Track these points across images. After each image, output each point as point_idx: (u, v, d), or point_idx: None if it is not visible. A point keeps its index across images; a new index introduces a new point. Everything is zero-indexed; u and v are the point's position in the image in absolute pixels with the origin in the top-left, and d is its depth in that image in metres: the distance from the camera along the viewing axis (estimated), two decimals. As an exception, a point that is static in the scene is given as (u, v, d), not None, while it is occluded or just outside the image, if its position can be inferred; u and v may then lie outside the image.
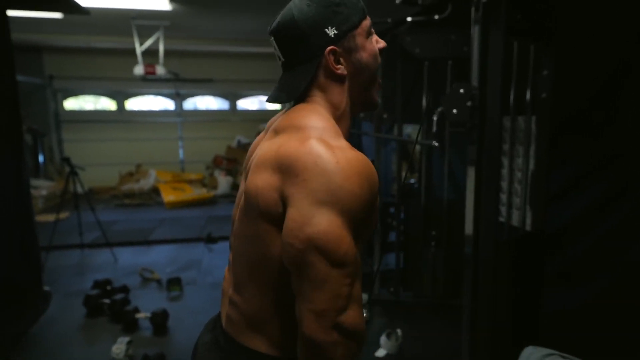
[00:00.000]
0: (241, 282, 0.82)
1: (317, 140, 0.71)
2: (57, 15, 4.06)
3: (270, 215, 0.72)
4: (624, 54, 2.05)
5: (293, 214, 0.68)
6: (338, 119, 0.81)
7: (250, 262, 0.79)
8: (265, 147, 0.79)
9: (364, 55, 0.81)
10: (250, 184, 0.76)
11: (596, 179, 2.32)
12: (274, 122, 0.88)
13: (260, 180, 0.73)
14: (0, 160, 2.73)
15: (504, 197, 2.46)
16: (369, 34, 0.82)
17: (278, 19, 0.82)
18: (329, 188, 0.67)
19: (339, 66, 0.80)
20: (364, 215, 0.69)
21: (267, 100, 0.86)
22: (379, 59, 0.85)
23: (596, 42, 2.21)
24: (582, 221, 2.43)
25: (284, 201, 0.71)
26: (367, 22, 0.82)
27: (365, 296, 3.18)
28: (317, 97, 0.82)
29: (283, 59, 0.83)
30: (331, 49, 0.78)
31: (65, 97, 8.45)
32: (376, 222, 0.82)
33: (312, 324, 0.66)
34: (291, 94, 0.82)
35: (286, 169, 0.70)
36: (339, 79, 0.81)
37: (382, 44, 0.85)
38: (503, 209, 2.47)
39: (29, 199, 3.11)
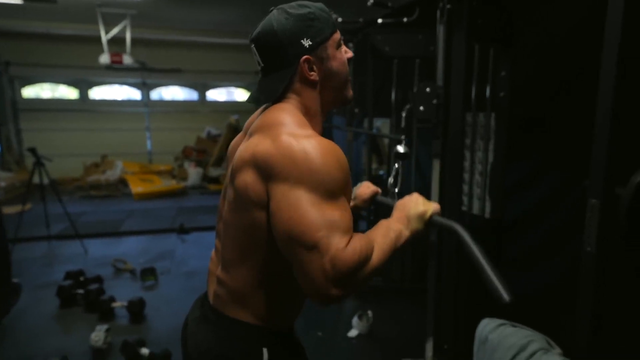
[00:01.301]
0: (230, 263, 0.93)
1: (286, 135, 0.83)
2: (17, 0, 3.93)
3: (261, 204, 0.84)
4: (577, 57, 2.27)
5: (273, 207, 0.81)
6: (311, 117, 0.93)
7: (241, 245, 0.90)
8: (243, 147, 0.90)
9: (334, 64, 0.93)
10: (239, 182, 0.87)
11: (549, 172, 2.56)
12: (251, 123, 0.99)
13: (248, 177, 0.85)
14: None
15: (466, 187, 2.67)
16: (338, 45, 0.94)
17: (259, 28, 0.92)
18: (298, 171, 0.79)
19: (312, 73, 0.91)
20: (337, 184, 0.81)
21: (247, 101, 0.98)
22: (347, 67, 0.97)
23: (552, 46, 2.42)
24: (537, 211, 2.67)
25: (268, 193, 0.82)
26: (337, 35, 0.93)
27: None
28: (292, 100, 0.93)
29: (262, 65, 0.94)
30: (306, 59, 0.89)
31: (23, 84, 8.09)
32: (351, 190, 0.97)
33: (317, 297, 0.77)
34: (269, 96, 0.93)
35: (264, 166, 0.82)
36: (312, 84, 0.93)
37: (349, 54, 0.96)
38: (465, 199, 2.68)
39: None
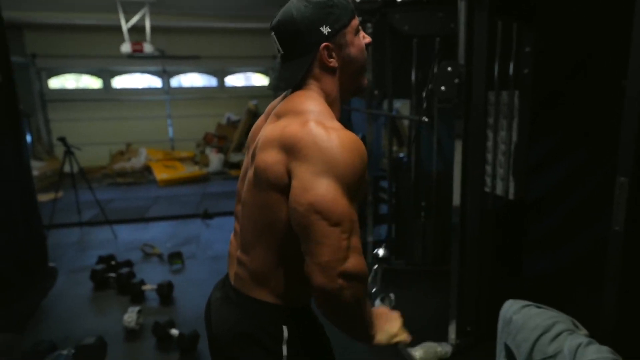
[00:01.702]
0: (249, 244, 0.96)
1: (315, 123, 0.84)
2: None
3: (279, 185, 0.86)
4: (602, 30, 2.18)
5: (296, 184, 0.82)
6: (330, 104, 0.95)
7: (258, 226, 0.93)
8: (269, 129, 0.92)
9: (352, 50, 0.94)
10: (259, 161, 0.89)
11: (573, 149, 2.49)
12: (274, 107, 1.01)
13: (268, 157, 0.87)
14: (1, 142, 2.78)
15: (489, 168, 2.63)
16: (357, 32, 0.94)
17: (278, 16, 0.93)
18: (325, 161, 0.80)
19: (331, 60, 0.93)
20: (356, 181, 0.83)
21: (268, 88, 1.02)
22: (365, 53, 0.97)
23: (575, 21, 2.33)
24: (561, 189, 2.61)
25: (289, 174, 0.84)
26: (355, 21, 0.94)
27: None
28: (312, 86, 0.95)
29: (282, 52, 0.95)
30: (325, 45, 0.90)
31: (50, 76, 8.31)
32: (366, 190, 0.97)
33: (319, 275, 0.80)
34: (289, 83, 0.95)
35: (290, 148, 0.84)
36: (331, 71, 0.94)
37: (367, 39, 0.96)
38: (488, 180, 2.64)
39: (31, 179, 3.19)
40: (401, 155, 5.08)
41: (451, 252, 2.32)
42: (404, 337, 0.98)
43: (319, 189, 0.80)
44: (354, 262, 0.80)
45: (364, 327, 0.90)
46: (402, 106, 6.48)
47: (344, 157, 0.81)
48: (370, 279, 1.27)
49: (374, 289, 1.24)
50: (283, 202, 0.86)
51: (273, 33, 0.94)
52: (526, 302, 1.44)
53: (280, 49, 0.95)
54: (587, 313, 1.42)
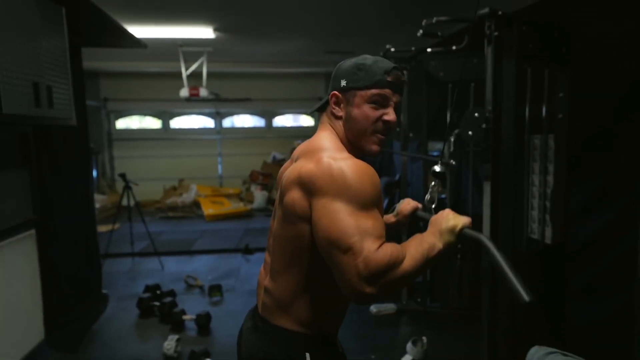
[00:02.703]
0: (277, 272, 1.06)
1: (326, 158, 0.98)
2: (118, 47, 4.58)
3: (306, 217, 0.98)
4: (635, 74, 2.16)
5: (314, 218, 0.95)
6: (344, 144, 1.08)
7: (288, 255, 1.03)
8: (289, 171, 1.06)
9: (355, 111, 1.04)
10: (288, 200, 1.01)
11: (618, 193, 2.41)
12: (297, 150, 1.16)
13: (295, 195, 0.99)
14: (75, 176, 3.14)
15: (525, 211, 2.59)
16: (370, 101, 1.02)
17: None
18: (336, 187, 0.92)
19: (336, 108, 1.08)
20: (369, 197, 0.93)
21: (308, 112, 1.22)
22: (374, 124, 1.03)
23: (611, 62, 2.33)
24: (606, 236, 2.51)
25: (311, 207, 0.96)
26: (372, 91, 1.02)
27: (392, 306, 3.31)
28: (328, 125, 1.11)
29: None
30: (334, 93, 1.07)
31: (117, 117, 9.16)
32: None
33: (354, 297, 0.88)
34: (314, 108, 1.17)
35: (308, 185, 0.96)
36: (337, 118, 1.09)
37: (389, 117, 1.03)
38: (524, 224, 2.60)
39: (94, 211, 3.53)
40: (442, 196, 5.06)
41: (482, 296, 2.28)
42: (463, 220, 1.00)
43: (329, 218, 0.90)
44: (374, 267, 0.85)
45: (426, 259, 0.93)
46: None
47: (352, 179, 0.92)
48: (428, 195, 1.30)
49: (433, 205, 1.27)
50: (309, 232, 0.97)
51: None
52: (552, 350, 1.41)
53: None
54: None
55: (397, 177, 4.14)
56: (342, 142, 1.07)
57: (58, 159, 2.91)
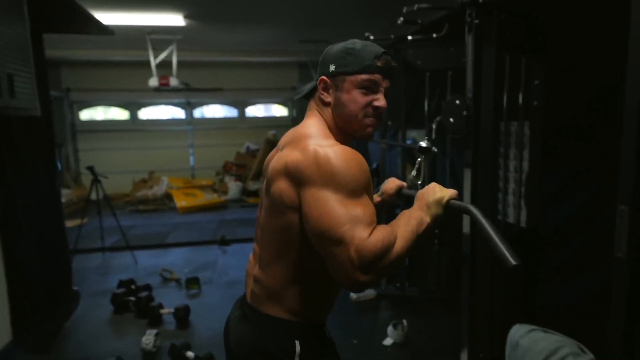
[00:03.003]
0: (266, 262, 1.04)
1: (312, 145, 0.95)
2: (82, 34, 4.35)
3: (295, 207, 0.95)
4: (613, 63, 2.24)
5: (304, 209, 0.92)
6: (331, 130, 1.05)
7: (277, 245, 1.01)
8: (275, 160, 1.03)
9: (343, 96, 1.02)
10: (275, 190, 0.99)
11: (588, 179, 2.51)
12: (283, 139, 1.12)
13: (281, 185, 0.97)
14: (38, 170, 2.97)
15: (501, 196, 2.66)
16: (360, 86, 1.00)
17: None
18: (323, 175, 0.90)
19: (324, 93, 1.05)
20: (358, 183, 0.91)
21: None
22: (364, 109, 1.01)
23: (590, 52, 2.40)
24: (576, 220, 2.61)
25: (299, 197, 0.94)
26: (363, 76, 0.99)
27: (372, 291, 3.35)
28: (315, 111, 1.08)
29: None
30: (322, 79, 1.04)
31: (81, 108, 8.75)
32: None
33: (348, 285, 0.87)
34: (300, 94, 1.13)
35: (295, 173, 0.94)
36: (325, 104, 1.06)
37: (379, 103, 1.01)
38: (500, 207, 2.67)
39: (60, 205, 3.36)
40: (418, 182, 5.13)
41: (462, 279, 2.33)
42: (449, 193, 0.99)
43: (319, 210, 0.88)
44: (367, 254, 0.84)
45: (415, 235, 0.93)
46: (418, 135, 6.57)
47: (339, 166, 0.90)
48: (414, 171, 1.29)
49: (420, 181, 1.27)
50: (298, 221, 0.95)
51: None
52: (533, 327, 1.46)
53: None
54: (596, 340, 1.43)
55: (374, 165, 4.16)
56: (330, 129, 1.05)
57: (20, 152, 2.74)
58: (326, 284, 1.00)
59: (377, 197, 1.34)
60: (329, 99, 1.04)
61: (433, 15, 2.45)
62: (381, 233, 0.87)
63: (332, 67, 1.02)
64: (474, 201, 2.28)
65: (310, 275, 1.00)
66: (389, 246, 0.87)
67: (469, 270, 2.32)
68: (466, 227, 2.29)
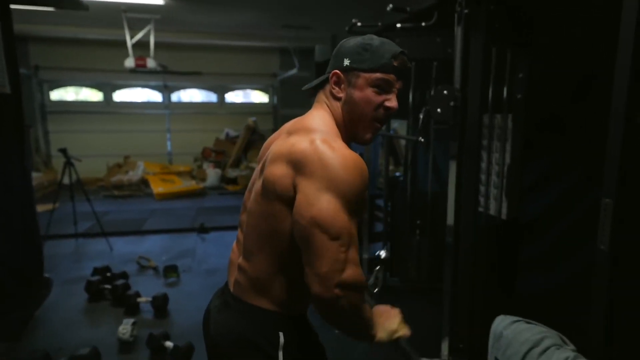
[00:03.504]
0: (251, 252, 1.01)
1: (321, 141, 0.91)
2: (52, 8, 4.13)
3: (285, 197, 0.92)
4: (594, 57, 2.28)
5: (301, 198, 0.88)
6: (339, 127, 1.02)
7: (262, 234, 0.98)
8: (279, 144, 0.99)
9: (356, 94, 0.98)
10: (268, 174, 0.95)
11: (565, 173, 2.56)
12: (288, 125, 1.09)
13: (277, 170, 0.93)
14: (6, 150, 2.82)
15: (482, 188, 2.69)
16: (373, 85, 0.97)
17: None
18: (329, 178, 0.87)
19: (336, 88, 1.01)
20: (356, 198, 0.89)
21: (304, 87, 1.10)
22: (376, 110, 0.98)
23: (569, 48, 2.43)
24: (553, 211, 2.68)
25: (295, 187, 0.90)
26: (377, 75, 0.96)
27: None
28: (325, 105, 1.03)
29: None
30: (335, 72, 1.00)
31: (52, 88, 8.39)
32: (366, 207, 1.07)
33: (317, 285, 0.86)
34: (310, 85, 1.07)
35: (297, 163, 0.90)
36: (336, 99, 1.02)
37: (391, 104, 0.99)
38: (482, 200, 2.70)
39: (31, 189, 3.21)
40: (397, 174, 5.17)
41: (444, 269, 2.36)
42: (404, 331, 1.03)
43: (321, 204, 0.85)
44: (350, 273, 0.85)
45: (364, 329, 0.96)
46: (399, 126, 6.61)
47: (346, 175, 0.87)
48: (372, 279, 1.31)
49: (376, 289, 1.29)
50: (287, 213, 0.92)
51: None
52: (516, 318, 1.48)
53: None
54: (577, 330, 1.46)
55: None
56: (337, 124, 1.01)
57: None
58: None
59: None
60: (340, 94, 1.00)
61: (422, 3, 2.42)
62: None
63: (346, 62, 0.98)
64: (458, 193, 2.29)
65: (295, 266, 0.97)
66: (362, 292, 0.89)
67: (451, 260, 2.35)
68: (450, 218, 2.31)
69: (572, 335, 1.46)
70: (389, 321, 1.03)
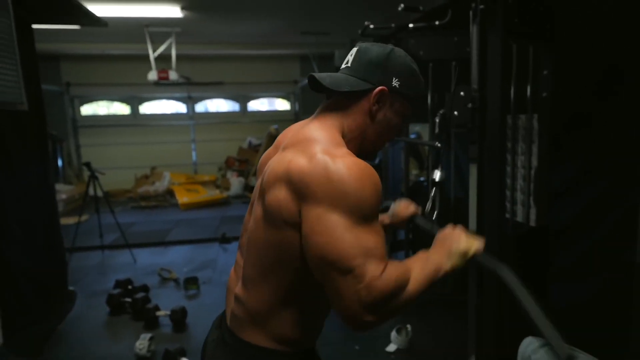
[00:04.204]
0: (251, 281, 0.91)
1: (321, 154, 0.80)
2: (76, 26, 4.26)
3: (294, 223, 0.82)
4: (623, 51, 2.10)
5: (306, 230, 0.79)
6: (346, 139, 0.90)
7: (265, 263, 0.87)
8: (276, 161, 0.87)
9: (393, 118, 0.93)
10: (272, 199, 0.84)
11: (599, 174, 2.37)
12: (283, 138, 0.99)
13: (280, 194, 0.82)
14: (29, 166, 2.89)
15: (508, 193, 2.53)
16: (402, 115, 0.95)
17: (374, 43, 0.96)
18: (334, 194, 0.76)
19: (376, 105, 0.91)
20: (371, 207, 0.79)
21: (313, 74, 0.92)
22: (393, 134, 0.97)
23: (596, 40, 2.26)
24: (587, 216, 2.48)
25: (300, 213, 0.80)
26: (409, 109, 0.95)
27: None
28: (335, 117, 0.91)
29: (349, 65, 0.94)
30: (382, 89, 0.90)
31: (82, 103, 8.70)
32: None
33: (350, 322, 0.77)
34: (334, 85, 0.89)
35: (298, 184, 0.79)
36: (369, 113, 0.91)
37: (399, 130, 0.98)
38: (508, 205, 2.54)
39: (55, 203, 3.28)
40: (422, 179, 5.00)
41: (469, 281, 2.22)
42: (476, 246, 0.92)
43: (325, 234, 0.76)
44: (377, 294, 0.76)
45: (427, 284, 0.84)
46: (422, 128, 6.42)
47: (353, 186, 0.77)
48: (429, 205, 1.22)
49: (435, 213, 1.22)
50: (297, 240, 0.82)
51: (357, 48, 0.95)
52: (545, 341, 1.34)
53: (350, 61, 0.94)
54: (613, 347, 1.31)
55: (376, 161, 4.04)
56: (345, 137, 0.90)
57: (7, 148, 2.65)
58: (320, 305, 0.91)
59: (386, 219, 1.23)
60: (379, 113, 0.92)
61: (435, 1, 2.31)
62: (395, 271, 0.78)
63: (396, 82, 0.90)
64: (480, 199, 2.15)
65: (301, 298, 0.88)
66: (402, 287, 0.79)
67: (475, 269, 2.21)
68: (472, 224, 2.17)
69: (605, 351, 1.31)
70: (456, 244, 0.91)
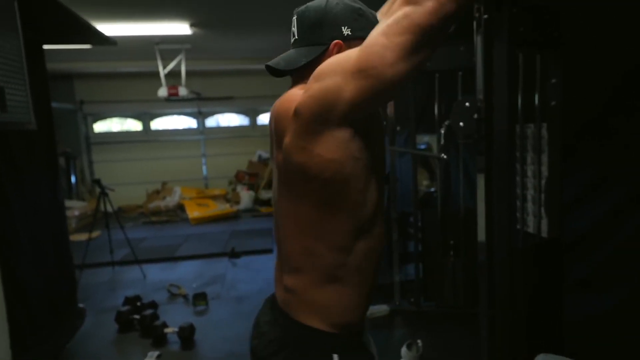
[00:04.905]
0: (294, 260, 0.91)
1: (298, 89, 0.87)
2: (86, 45, 4.36)
3: (306, 172, 0.83)
4: (636, 56, 2.05)
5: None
6: None
7: (306, 225, 0.87)
8: (279, 103, 0.95)
9: None
10: (278, 157, 0.91)
11: (614, 183, 2.30)
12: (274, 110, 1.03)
13: (284, 144, 0.87)
14: (39, 183, 2.92)
15: (519, 204, 2.47)
16: None
17: (308, 4, 0.94)
18: (334, 68, 0.79)
19: None
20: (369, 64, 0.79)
21: (267, 64, 0.95)
22: None
23: (606, 46, 2.21)
24: (602, 227, 2.41)
25: (327, 123, 0.81)
26: None
27: (385, 307, 3.20)
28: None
29: (296, 37, 0.94)
30: (337, 42, 0.89)
31: (95, 120, 8.86)
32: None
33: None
34: (290, 64, 0.92)
35: (281, 121, 0.89)
36: None
37: None
38: (518, 216, 2.48)
39: (64, 220, 3.31)
40: (432, 189, 4.94)
41: (480, 294, 2.16)
42: None
43: (348, 58, 0.79)
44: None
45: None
46: (431, 139, 6.36)
47: (325, 68, 0.80)
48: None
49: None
50: (335, 190, 0.83)
51: (295, 16, 0.94)
52: (558, 358, 1.29)
53: (295, 32, 0.94)
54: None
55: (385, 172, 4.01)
56: None
57: (18, 166, 2.69)
58: (363, 278, 0.90)
59: None
60: None
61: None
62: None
63: (346, 30, 0.89)
64: (488, 209, 2.10)
65: (345, 268, 0.88)
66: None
67: (486, 281, 2.15)
68: (481, 235, 2.12)
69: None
70: None
